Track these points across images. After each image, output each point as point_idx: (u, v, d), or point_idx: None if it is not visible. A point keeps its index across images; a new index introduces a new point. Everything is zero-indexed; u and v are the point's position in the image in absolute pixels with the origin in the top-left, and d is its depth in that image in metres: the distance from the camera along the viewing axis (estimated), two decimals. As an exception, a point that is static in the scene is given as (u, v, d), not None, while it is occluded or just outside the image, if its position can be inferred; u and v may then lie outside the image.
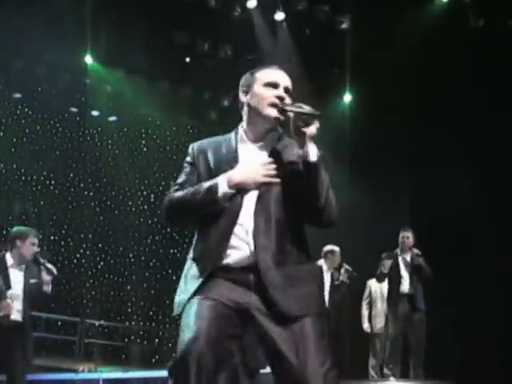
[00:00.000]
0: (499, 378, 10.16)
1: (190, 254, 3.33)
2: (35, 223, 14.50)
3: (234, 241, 3.07)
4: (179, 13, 12.93)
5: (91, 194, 15.57)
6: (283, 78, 3.30)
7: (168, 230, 16.19)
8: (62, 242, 15.08)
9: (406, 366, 8.81)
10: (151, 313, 15.65)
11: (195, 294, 3.12)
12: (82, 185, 15.46)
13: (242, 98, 3.33)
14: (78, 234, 15.22)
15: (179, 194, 3.24)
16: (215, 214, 3.11)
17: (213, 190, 3.05)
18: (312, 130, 3.08)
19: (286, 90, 3.27)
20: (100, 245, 15.47)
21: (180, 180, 3.37)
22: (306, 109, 3.09)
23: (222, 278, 3.07)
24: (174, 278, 15.81)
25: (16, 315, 6.63)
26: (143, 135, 16.31)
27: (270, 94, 3.20)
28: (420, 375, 8.55)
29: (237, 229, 3.07)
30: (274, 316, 2.97)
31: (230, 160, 3.19)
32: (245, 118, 3.32)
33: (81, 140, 15.62)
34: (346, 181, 13.07)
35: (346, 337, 9.85)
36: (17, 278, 6.70)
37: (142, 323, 15.51)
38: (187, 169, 3.37)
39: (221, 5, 12.75)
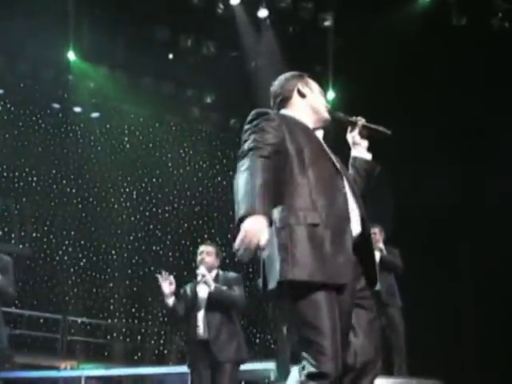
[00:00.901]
0: (482, 375, 10.23)
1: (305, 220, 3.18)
2: (17, 220, 14.46)
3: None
4: (162, 9, 12.91)
5: (73, 190, 15.50)
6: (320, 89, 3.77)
7: (151, 226, 16.16)
8: (45, 239, 15.01)
9: (389, 363, 8.82)
10: (134, 310, 15.61)
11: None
12: (64, 181, 15.39)
13: (301, 88, 3.67)
14: (61, 231, 15.15)
15: (264, 173, 3.14)
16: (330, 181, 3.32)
17: (247, 208, 3.03)
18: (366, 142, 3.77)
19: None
20: (82, 242, 15.40)
21: (263, 144, 3.26)
22: (376, 126, 3.81)
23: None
24: (156, 274, 15.80)
25: None
26: (126, 132, 16.25)
27: (324, 101, 3.72)
28: (403, 371, 8.56)
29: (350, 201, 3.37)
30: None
31: (322, 150, 3.47)
32: (299, 107, 3.61)
33: (63, 136, 15.55)
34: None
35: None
36: None
37: (124, 320, 15.45)
38: (273, 137, 3.30)
39: (204, 1, 12.73)
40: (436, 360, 9.96)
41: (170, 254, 15.93)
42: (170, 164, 16.52)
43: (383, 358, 8.49)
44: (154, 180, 16.35)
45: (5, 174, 14.76)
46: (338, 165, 3.42)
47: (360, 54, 12.19)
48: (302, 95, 3.64)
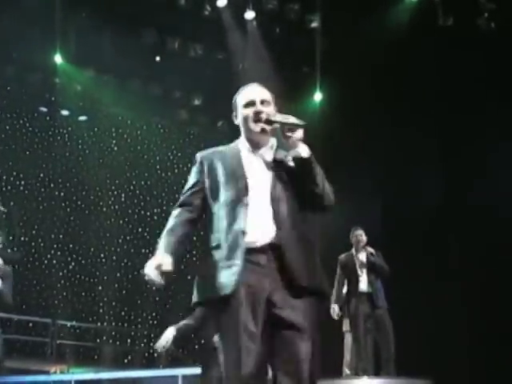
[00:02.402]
0: (472, 374, 10.26)
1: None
2: (5, 224, 14.40)
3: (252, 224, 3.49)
4: (149, 12, 12.90)
5: (61, 194, 15.47)
6: (258, 94, 3.78)
7: (139, 229, 16.14)
8: (33, 243, 14.98)
9: (378, 364, 8.84)
10: (123, 313, 15.59)
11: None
12: (52, 185, 15.36)
13: (235, 121, 3.82)
14: (49, 235, 15.12)
15: (170, 224, 3.75)
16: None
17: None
18: (298, 134, 3.57)
19: (263, 102, 3.72)
20: (71, 245, 15.37)
21: (184, 191, 3.78)
22: (291, 119, 3.59)
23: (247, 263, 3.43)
24: (145, 277, 15.77)
25: None
26: (113, 134, 16.24)
27: (250, 112, 3.66)
28: (391, 372, 8.58)
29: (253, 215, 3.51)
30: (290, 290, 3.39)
31: (238, 169, 3.61)
32: (242, 135, 3.77)
33: (51, 140, 15.52)
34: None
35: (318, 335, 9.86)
36: None
37: (113, 324, 15.43)
38: (192, 179, 3.76)
39: (191, 4, 12.74)
40: (425, 360, 9.99)
41: (159, 256, 15.92)
42: (158, 166, 16.51)
43: (373, 359, 8.53)
44: (143, 183, 16.33)
45: (-8, 178, 14.73)
46: (250, 181, 3.56)
47: (347, 55, 12.22)
48: (237, 123, 3.83)
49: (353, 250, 9.18)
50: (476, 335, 10.73)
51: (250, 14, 13.01)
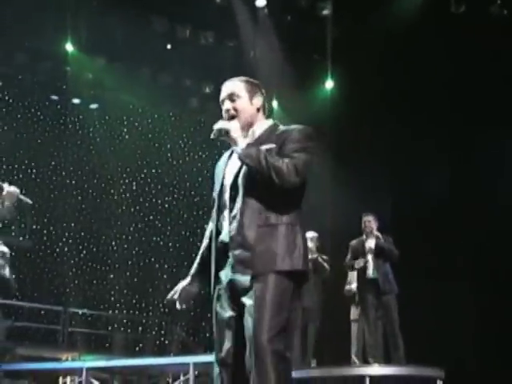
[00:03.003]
0: (482, 362, 10.25)
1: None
2: (17, 212, 14.45)
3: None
4: (160, 0, 12.90)
5: (73, 182, 15.50)
6: (224, 91, 3.82)
7: (151, 217, 16.17)
8: (45, 231, 15.02)
9: (386, 352, 8.84)
10: (134, 301, 15.64)
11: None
12: (63, 173, 15.38)
13: None
14: (61, 223, 15.16)
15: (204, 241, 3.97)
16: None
17: None
18: (230, 136, 3.66)
19: (230, 96, 3.78)
20: (82, 233, 15.41)
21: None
22: (216, 126, 3.69)
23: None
24: (156, 265, 15.82)
25: None
26: (125, 123, 16.25)
27: (223, 112, 3.80)
28: (401, 359, 8.57)
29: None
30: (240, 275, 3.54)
31: (222, 168, 3.83)
32: None
33: (62, 128, 15.54)
34: (327, 168, 13.11)
35: (326, 324, 9.88)
36: None
37: (125, 311, 15.48)
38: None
39: (202, -9, 12.73)
40: (435, 348, 9.98)
41: (170, 244, 15.94)
42: (169, 155, 16.52)
43: (381, 346, 8.48)
44: (154, 171, 16.34)
45: (4, 167, 14.74)
46: (226, 181, 3.74)
47: (358, 43, 12.18)
48: None
49: (363, 236, 9.17)
50: (486, 323, 10.72)
51: (261, 2, 12.99)
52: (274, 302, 3.42)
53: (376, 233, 8.99)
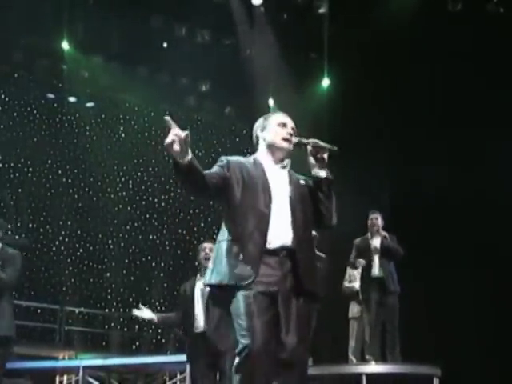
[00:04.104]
0: (480, 360, 10.26)
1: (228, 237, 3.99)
2: (13, 211, 14.44)
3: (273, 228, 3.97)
4: (156, -2, 12.90)
5: (69, 180, 15.49)
6: (290, 121, 4.24)
7: (147, 216, 16.16)
8: (41, 229, 15.01)
9: (384, 350, 8.84)
10: (131, 299, 15.61)
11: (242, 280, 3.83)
12: (59, 172, 15.37)
13: (259, 134, 4.27)
14: (57, 221, 15.15)
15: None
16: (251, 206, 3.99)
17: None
18: (325, 156, 4.09)
19: (293, 129, 4.20)
20: (79, 232, 15.40)
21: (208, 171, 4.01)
22: (321, 143, 4.09)
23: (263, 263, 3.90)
24: (153, 264, 15.82)
25: None
26: (121, 121, 16.23)
27: (282, 132, 4.16)
28: (397, 358, 8.57)
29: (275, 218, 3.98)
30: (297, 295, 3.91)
31: (262, 179, 4.07)
32: (261, 148, 4.25)
33: (58, 126, 15.52)
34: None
35: (322, 322, 9.87)
36: None
37: (121, 310, 15.47)
38: (216, 168, 4.06)
39: (198, -11, 12.70)
40: (432, 346, 9.99)
41: (167, 242, 15.93)
42: (165, 153, 16.40)
43: (379, 344, 8.49)
44: (150, 169, 16.33)
45: (0, 166, 14.73)
46: (273, 191, 4.03)
47: (355, 41, 12.17)
48: (261, 140, 4.26)
49: (368, 234, 9.13)
50: (485, 322, 10.72)
51: (257, 0, 12.97)
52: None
53: (382, 232, 8.95)
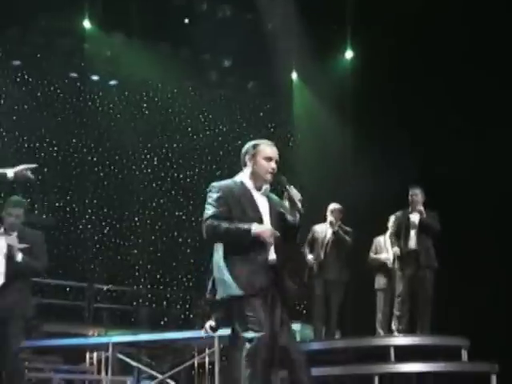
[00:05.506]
0: (507, 336, 10.22)
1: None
2: (40, 190, 14.53)
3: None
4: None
5: (94, 159, 15.56)
6: (275, 154, 4.86)
7: (173, 192, 16.21)
8: (67, 208, 15.11)
9: (413, 322, 8.82)
10: (158, 275, 15.72)
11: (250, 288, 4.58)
12: (84, 150, 15.45)
13: (248, 162, 4.87)
14: (83, 200, 15.24)
15: (224, 225, 4.63)
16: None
17: (248, 231, 4.60)
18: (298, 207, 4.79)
19: (276, 161, 4.83)
20: (105, 210, 15.49)
21: (214, 212, 4.71)
22: (296, 197, 4.77)
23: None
24: (179, 240, 15.88)
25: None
26: (144, 98, 16.26)
27: (268, 166, 4.80)
28: (426, 330, 8.56)
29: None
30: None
31: (252, 205, 4.77)
32: (247, 173, 4.87)
33: (82, 105, 15.58)
34: (348, 139, 13.06)
35: (349, 294, 9.87)
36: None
37: (149, 286, 15.58)
38: (217, 203, 4.73)
39: (218, -36, 12.66)
40: (462, 320, 9.94)
41: (193, 219, 15.96)
42: (189, 129, 16.51)
43: (407, 317, 8.44)
44: (175, 145, 16.35)
45: (25, 145, 14.82)
46: (262, 211, 4.78)
47: (378, 11, 12.07)
48: (248, 167, 4.89)
49: (409, 209, 9.09)
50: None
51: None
52: None
53: (419, 208, 8.89)
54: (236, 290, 4.59)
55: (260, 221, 4.71)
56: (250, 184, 4.86)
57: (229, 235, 4.65)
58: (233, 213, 4.71)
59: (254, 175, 4.87)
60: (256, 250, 4.65)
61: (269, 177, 4.83)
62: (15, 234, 6.63)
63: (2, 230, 6.63)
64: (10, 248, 6.52)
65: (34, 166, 5.75)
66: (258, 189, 4.86)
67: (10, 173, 5.57)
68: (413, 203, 8.96)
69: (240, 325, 4.58)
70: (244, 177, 4.92)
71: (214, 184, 4.87)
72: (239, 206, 4.75)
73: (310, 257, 9.18)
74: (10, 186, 6.33)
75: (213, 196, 4.81)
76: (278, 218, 4.84)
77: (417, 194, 8.96)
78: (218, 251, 4.77)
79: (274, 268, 4.71)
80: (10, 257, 6.50)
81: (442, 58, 11.75)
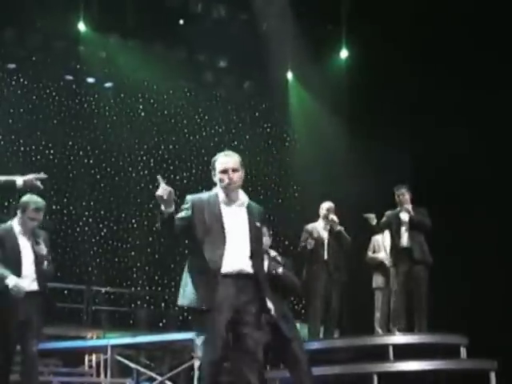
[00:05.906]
0: (505, 333, 10.24)
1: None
2: (36, 193, 14.50)
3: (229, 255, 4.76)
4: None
5: (91, 161, 15.54)
6: (230, 163, 4.89)
7: (169, 194, 16.18)
8: (65, 211, 15.09)
9: (411, 320, 8.83)
10: (156, 277, 15.71)
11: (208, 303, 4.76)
12: (80, 153, 15.42)
13: (214, 178, 4.93)
14: (80, 202, 15.22)
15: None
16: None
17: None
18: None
19: (234, 170, 4.85)
20: (102, 212, 15.47)
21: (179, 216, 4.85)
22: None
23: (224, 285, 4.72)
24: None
25: (32, 285, 6.60)
26: (140, 100, 16.23)
27: (224, 178, 4.82)
28: (424, 328, 8.56)
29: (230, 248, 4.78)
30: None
31: (217, 218, 4.80)
32: (218, 188, 4.91)
33: (77, 108, 15.55)
34: (343, 137, 13.07)
35: (348, 293, 9.88)
36: (25, 245, 6.70)
37: (147, 288, 15.56)
38: (183, 211, 4.88)
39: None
40: (460, 317, 9.96)
41: (190, 220, 15.94)
42: (185, 130, 16.50)
43: (405, 315, 8.46)
44: (171, 147, 16.34)
45: (22, 149, 14.80)
46: (227, 226, 4.78)
47: (372, 11, 12.08)
48: (214, 180, 4.96)
49: (398, 208, 9.10)
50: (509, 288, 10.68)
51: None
52: None
53: (407, 207, 8.90)
54: (193, 303, 4.92)
55: (222, 234, 4.75)
56: (221, 196, 4.88)
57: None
58: (197, 226, 4.79)
59: (221, 189, 4.90)
60: (216, 262, 4.71)
61: (230, 188, 4.84)
62: (41, 240, 6.66)
63: (42, 243, 6.64)
64: (38, 256, 6.57)
65: (43, 176, 5.78)
66: (233, 201, 4.87)
67: (19, 180, 5.59)
68: (400, 203, 8.98)
69: (197, 334, 4.92)
70: (218, 191, 4.97)
71: (188, 197, 4.97)
72: (206, 220, 4.80)
73: (309, 241, 9.09)
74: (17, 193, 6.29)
75: (182, 207, 4.93)
76: (256, 230, 4.88)
77: (403, 194, 8.99)
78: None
79: (248, 282, 4.75)
80: (37, 264, 6.54)
81: (437, 57, 11.77)
